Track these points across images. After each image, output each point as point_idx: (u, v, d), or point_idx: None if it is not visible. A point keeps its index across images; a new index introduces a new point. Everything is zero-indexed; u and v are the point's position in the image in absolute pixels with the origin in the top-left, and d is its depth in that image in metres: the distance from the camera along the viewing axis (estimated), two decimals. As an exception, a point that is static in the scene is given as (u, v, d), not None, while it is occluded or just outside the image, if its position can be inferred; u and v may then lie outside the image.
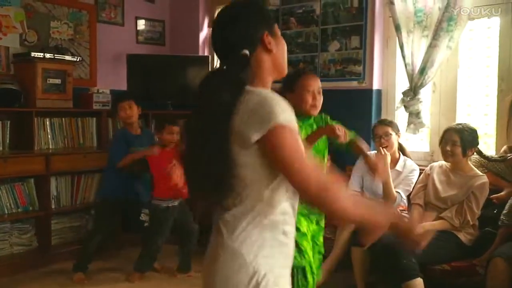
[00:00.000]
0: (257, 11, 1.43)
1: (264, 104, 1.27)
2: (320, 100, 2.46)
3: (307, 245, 2.36)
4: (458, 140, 3.02)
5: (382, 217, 1.34)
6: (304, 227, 2.38)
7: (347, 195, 1.32)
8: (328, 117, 2.63)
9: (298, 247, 2.28)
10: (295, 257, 2.07)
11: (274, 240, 1.32)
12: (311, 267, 2.36)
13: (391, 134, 3.36)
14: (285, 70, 1.49)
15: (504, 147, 3.28)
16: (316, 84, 2.46)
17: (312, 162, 1.31)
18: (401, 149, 3.49)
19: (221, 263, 1.31)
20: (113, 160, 3.71)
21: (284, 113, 1.27)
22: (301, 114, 2.36)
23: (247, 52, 1.36)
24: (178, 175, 3.24)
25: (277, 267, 1.33)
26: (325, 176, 1.30)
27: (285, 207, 1.34)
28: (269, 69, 1.42)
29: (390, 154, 3.30)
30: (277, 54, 1.43)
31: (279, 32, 1.47)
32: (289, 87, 2.43)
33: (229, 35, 1.39)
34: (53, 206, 4.09)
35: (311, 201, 1.28)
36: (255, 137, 1.26)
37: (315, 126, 2.54)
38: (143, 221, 3.77)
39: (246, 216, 1.31)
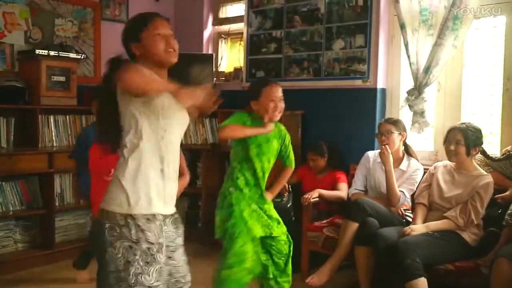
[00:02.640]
0: (125, 31, 1.97)
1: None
2: (282, 107, 2.68)
3: (248, 218, 2.64)
4: (461, 139, 3.00)
5: (160, 86, 1.78)
6: (243, 206, 2.66)
7: (138, 76, 1.73)
8: (284, 129, 2.85)
9: (243, 217, 2.62)
10: (237, 225, 2.58)
11: (154, 171, 1.84)
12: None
13: (392, 132, 3.35)
14: (163, 57, 1.88)
15: (508, 147, 3.26)
16: (279, 93, 2.68)
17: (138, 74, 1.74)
18: (407, 149, 3.47)
19: (109, 188, 1.87)
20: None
21: (131, 65, 1.79)
22: (263, 119, 2.63)
23: (128, 58, 1.93)
24: None
25: (147, 194, 1.82)
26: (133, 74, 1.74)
27: (160, 152, 1.84)
28: (147, 61, 1.88)
29: (393, 153, 3.29)
30: (147, 53, 1.88)
31: (148, 33, 1.88)
32: (255, 95, 2.68)
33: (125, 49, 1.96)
34: (57, 204, 4.10)
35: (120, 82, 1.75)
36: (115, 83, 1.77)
37: (272, 135, 2.72)
38: None
39: (130, 154, 1.83)
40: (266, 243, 2.73)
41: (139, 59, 1.90)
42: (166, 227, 1.92)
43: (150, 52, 1.88)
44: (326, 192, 3.68)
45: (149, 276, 1.77)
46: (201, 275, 2.65)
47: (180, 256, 1.99)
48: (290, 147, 2.87)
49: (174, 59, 1.91)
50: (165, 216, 1.92)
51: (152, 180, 1.83)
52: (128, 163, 1.83)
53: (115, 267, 1.79)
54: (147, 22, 1.92)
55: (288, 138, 2.86)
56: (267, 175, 2.76)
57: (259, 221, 2.69)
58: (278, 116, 2.68)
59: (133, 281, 1.76)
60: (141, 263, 1.77)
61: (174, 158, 1.92)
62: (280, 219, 2.82)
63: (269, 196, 2.82)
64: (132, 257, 1.76)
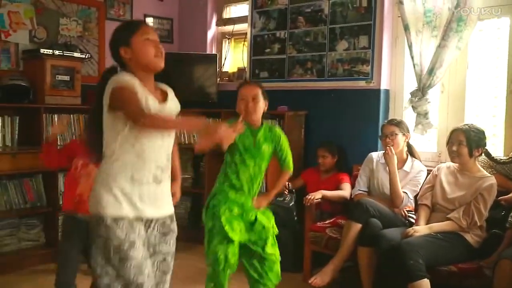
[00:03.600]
0: (115, 35, 2.01)
1: (111, 81, 1.91)
2: (252, 106, 2.60)
3: (237, 225, 2.57)
4: (464, 140, 3.00)
5: (192, 123, 1.97)
6: (223, 209, 2.58)
7: (158, 117, 1.90)
8: (278, 132, 2.72)
9: (232, 225, 2.54)
10: (228, 232, 2.50)
11: (124, 177, 1.91)
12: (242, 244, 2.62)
13: (397, 134, 3.36)
14: (150, 63, 1.97)
15: None
16: (250, 93, 2.62)
17: (138, 103, 1.86)
18: (410, 150, 3.48)
19: (93, 189, 1.96)
20: None
21: (119, 79, 1.90)
22: (248, 123, 2.58)
23: (116, 64, 2.03)
24: (85, 184, 2.62)
25: (116, 198, 1.90)
26: (143, 110, 1.85)
27: (131, 159, 1.92)
28: (134, 66, 1.97)
29: (397, 154, 3.30)
30: (136, 56, 1.95)
31: (139, 38, 1.96)
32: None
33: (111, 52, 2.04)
34: (60, 202, 4.10)
35: (136, 123, 1.85)
36: (107, 101, 1.89)
37: (262, 139, 2.64)
38: None
39: (106, 161, 1.94)
40: (246, 248, 2.65)
41: (128, 64, 1.97)
42: (153, 230, 1.99)
43: (140, 56, 1.95)
44: (329, 193, 3.68)
45: (127, 271, 1.87)
46: (204, 277, 2.66)
47: (153, 265, 1.99)
48: (287, 151, 2.72)
49: (162, 64, 2.00)
50: (149, 220, 1.97)
51: (123, 185, 1.90)
52: (102, 168, 1.95)
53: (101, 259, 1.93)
54: (137, 27, 1.99)
55: (283, 141, 2.70)
56: (257, 180, 2.65)
57: (239, 226, 2.59)
58: (248, 115, 2.59)
59: (115, 274, 1.89)
60: (117, 258, 1.87)
61: (160, 163, 1.99)
62: (267, 224, 2.67)
63: (263, 202, 2.68)
64: (108, 254, 1.88)
